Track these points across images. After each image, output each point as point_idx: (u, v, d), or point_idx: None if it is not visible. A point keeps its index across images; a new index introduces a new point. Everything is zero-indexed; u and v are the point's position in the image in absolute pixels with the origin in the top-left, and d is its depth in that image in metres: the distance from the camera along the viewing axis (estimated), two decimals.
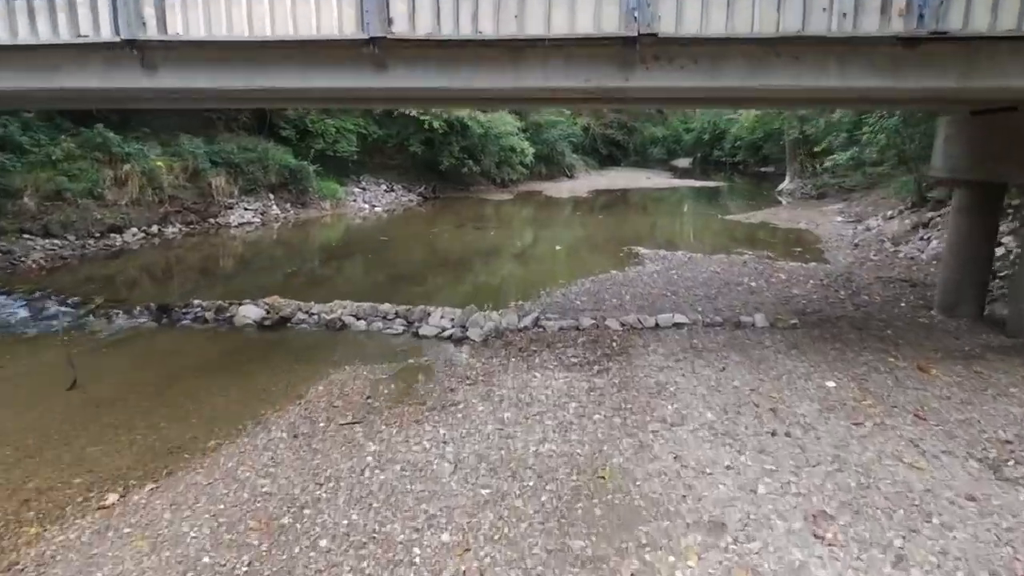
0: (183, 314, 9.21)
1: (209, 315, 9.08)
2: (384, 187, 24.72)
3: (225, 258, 14.83)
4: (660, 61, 6.16)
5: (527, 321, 8.51)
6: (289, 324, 8.91)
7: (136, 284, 11.90)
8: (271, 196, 19.40)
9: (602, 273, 11.97)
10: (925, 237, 14.15)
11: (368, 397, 6.20)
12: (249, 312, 8.99)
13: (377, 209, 22.59)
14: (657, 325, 8.33)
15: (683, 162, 62.79)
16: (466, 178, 28.14)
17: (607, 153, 45.84)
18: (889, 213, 16.55)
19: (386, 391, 6.37)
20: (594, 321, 8.51)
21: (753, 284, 11.02)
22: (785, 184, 31.46)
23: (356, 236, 18.17)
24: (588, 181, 36.92)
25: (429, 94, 8.12)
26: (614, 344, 7.57)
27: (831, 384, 6.21)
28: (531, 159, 29.24)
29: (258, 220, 18.33)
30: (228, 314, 9.05)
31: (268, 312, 9.03)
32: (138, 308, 9.35)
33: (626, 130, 46.86)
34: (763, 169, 49.81)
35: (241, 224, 17.70)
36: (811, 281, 11.14)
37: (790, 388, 6.13)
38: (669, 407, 5.71)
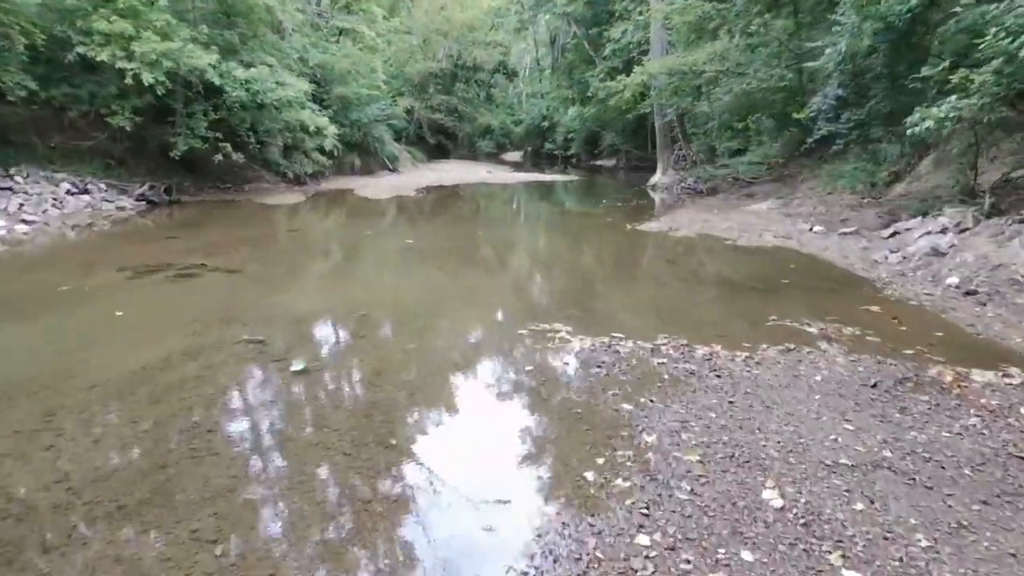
0: None
1: None
2: (69, 185, 13.57)
3: None
4: None
5: None
6: None
7: None
8: None
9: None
10: None
11: None
12: None
13: (46, 227, 11.60)
14: None
15: (514, 155, 55.57)
16: (233, 170, 17.62)
17: (436, 143, 36.67)
18: (949, 220, 9.08)
19: None
20: None
21: None
22: (657, 177, 24.28)
23: None
24: (415, 176, 27.48)
25: None
26: None
27: None
28: (334, 142, 19.39)
29: None
30: None
31: None
32: None
33: (456, 115, 37.96)
34: (598, 163, 43.72)
35: None
36: None
37: None
38: None
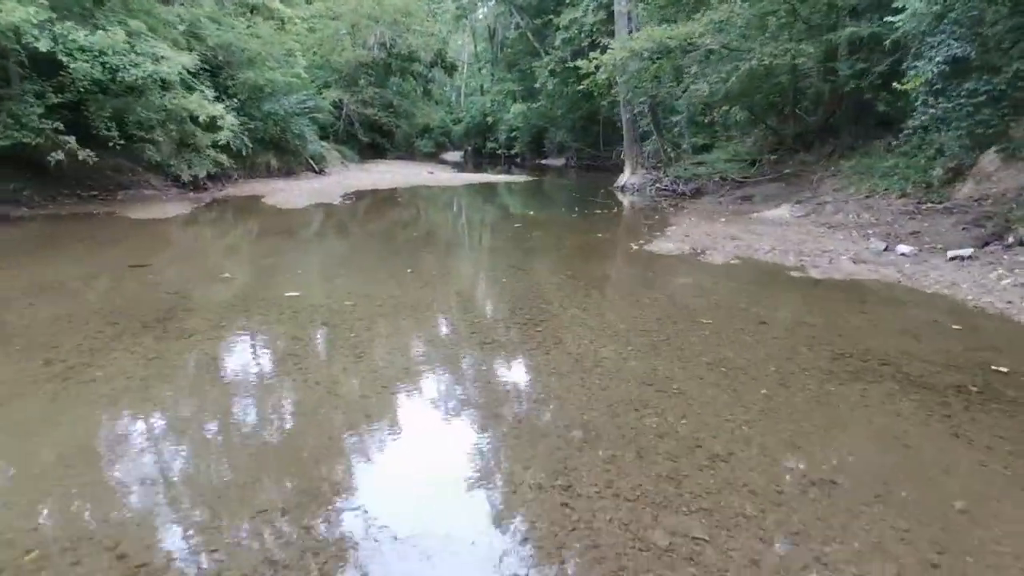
0: None
1: None
2: None
3: None
4: None
5: None
6: None
7: None
8: None
9: None
10: None
11: None
12: None
13: None
14: None
15: (454, 155, 51.63)
16: (103, 173, 13.04)
17: (370, 142, 32.10)
18: None
19: None
20: None
21: None
22: (626, 177, 20.79)
23: None
24: (345, 178, 23.08)
25: None
26: None
27: None
28: (242, 139, 14.99)
29: None
30: None
31: None
32: None
33: (392, 111, 33.53)
34: (545, 162, 40.31)
35: None
36: None
37: None
38: None
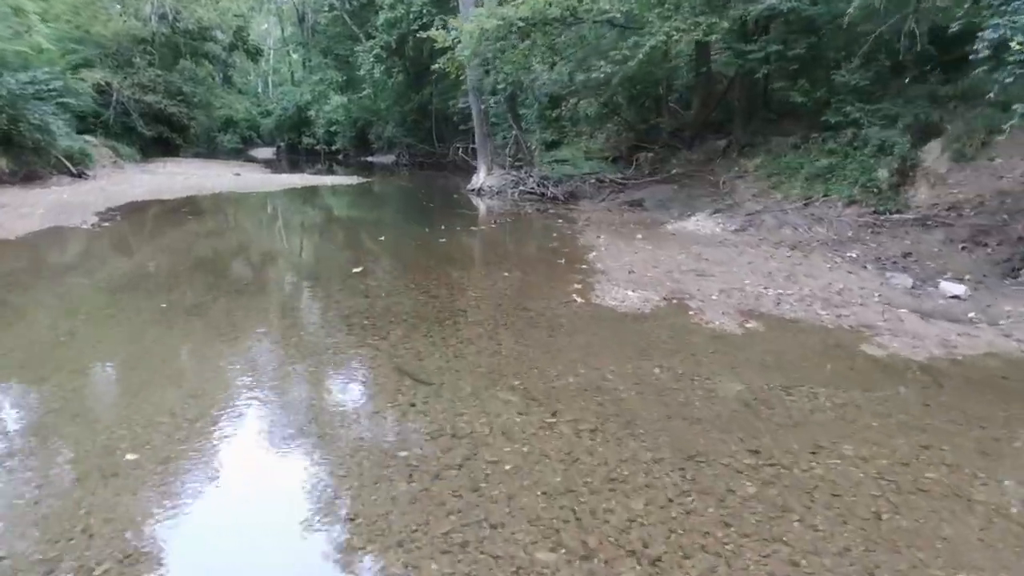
0: None
1: None
2: None
3: None
4: None
5: None
6: None
7: None
8: None
9: None
10: None
11: None
12: None
13: None
14: None
15: (265, 152, 44.93)
16: None
17: (155, 136, 25.21)
18: None
19: None
20: None
21: None
22: (481, 178, 17.38)
23: None
24: (116, 183, 17.09)
25: None
26: None
27: None
28: None
29: None
30: None
31: None
32: None
33: (182, 101, 26.76)
34: (371, 159, 35.87)
35: None
36: None
37: None
38: None
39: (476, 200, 16.04)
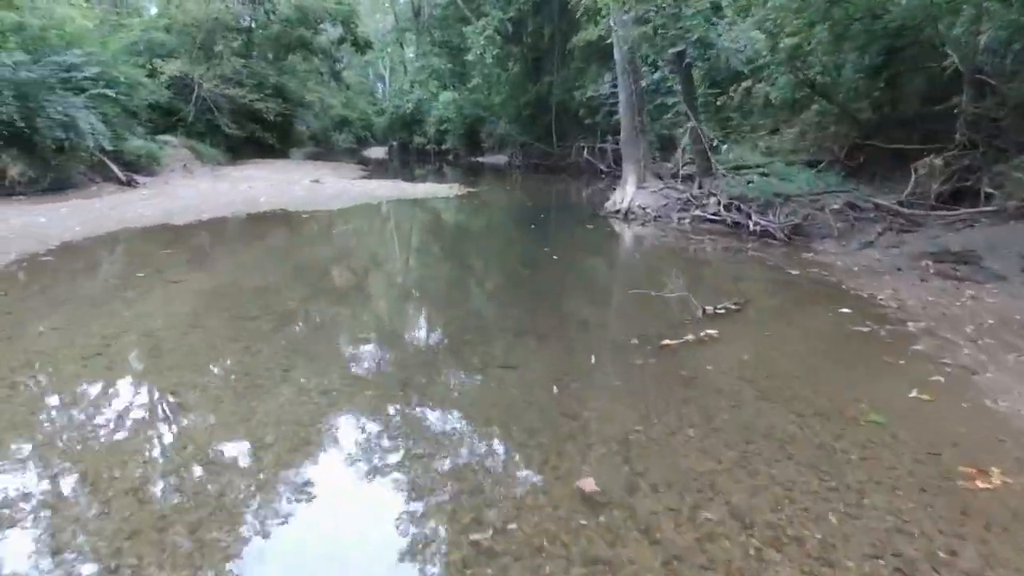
0: None
1: None
2: None
3: None
4: None
5: None
6: None
7: None
8: None
9: None
10: None
11: None
12: None
13: None
14: None
15: (378, 151, 41.80)
16: None
17: (246, 136, 21.64)
18: None
19: None
20: None
21: None
22: (629, 194, 11.46)
23: None
24: (184, 193, 13.10)
25: None
26: None
27: None
28: None
29: None
30: None
31: None
32: None
33: (280, 98, 22.90)
34: (483, 159, 30.97)
35: None
36: None
37: None
38: None
39: (624, 228, 10.33)
